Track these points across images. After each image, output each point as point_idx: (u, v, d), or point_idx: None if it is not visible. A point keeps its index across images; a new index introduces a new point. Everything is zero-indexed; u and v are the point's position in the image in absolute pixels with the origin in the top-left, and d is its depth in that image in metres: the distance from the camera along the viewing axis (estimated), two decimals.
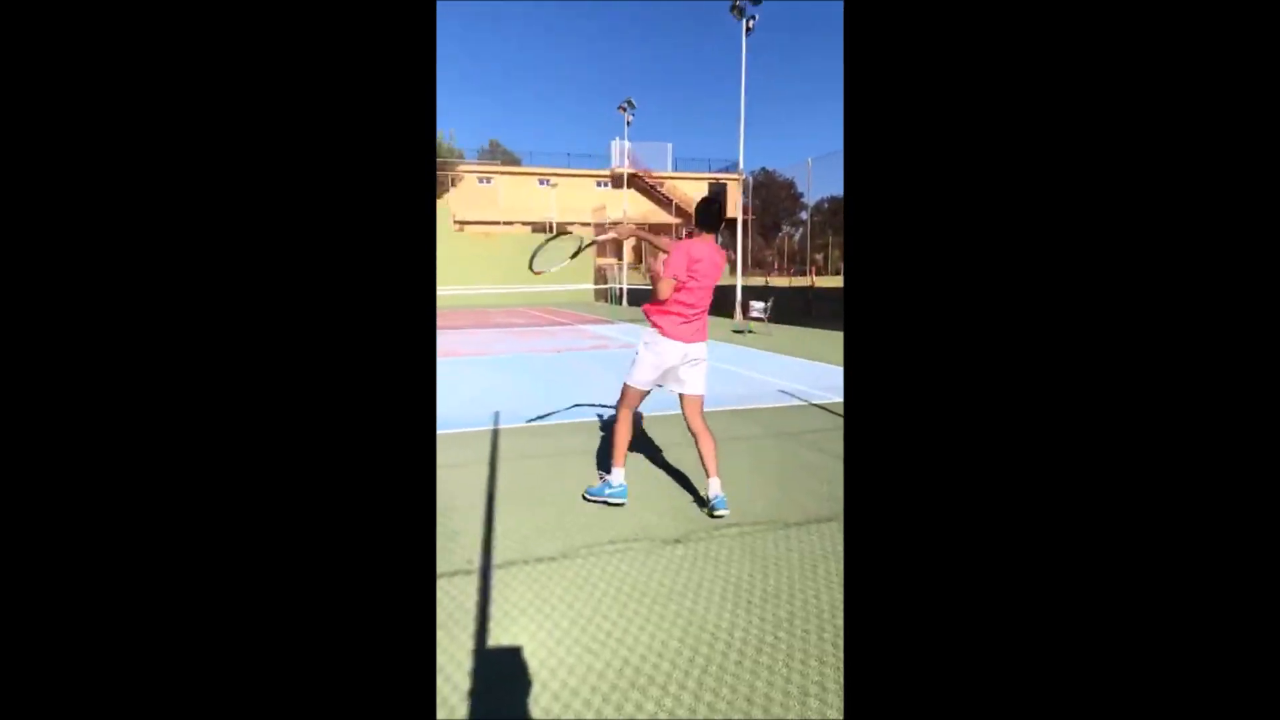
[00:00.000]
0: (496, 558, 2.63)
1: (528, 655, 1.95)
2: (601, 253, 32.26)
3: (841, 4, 0.97)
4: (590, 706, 1.71)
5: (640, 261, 33.24)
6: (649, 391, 3.15)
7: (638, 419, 4.17)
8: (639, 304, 22.76)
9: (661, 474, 3.73)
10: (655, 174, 36.84)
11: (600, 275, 30.31)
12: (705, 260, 2.99)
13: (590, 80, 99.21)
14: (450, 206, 29.12)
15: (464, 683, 1.82)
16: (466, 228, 32.71)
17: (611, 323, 15.97)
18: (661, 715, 1.68)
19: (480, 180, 36.05)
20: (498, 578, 2.46)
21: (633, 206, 33.37)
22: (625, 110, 26.62)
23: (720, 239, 3.24)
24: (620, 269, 27.30)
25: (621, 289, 23.26)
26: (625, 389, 3.15)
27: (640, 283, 26.82)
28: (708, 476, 3.07)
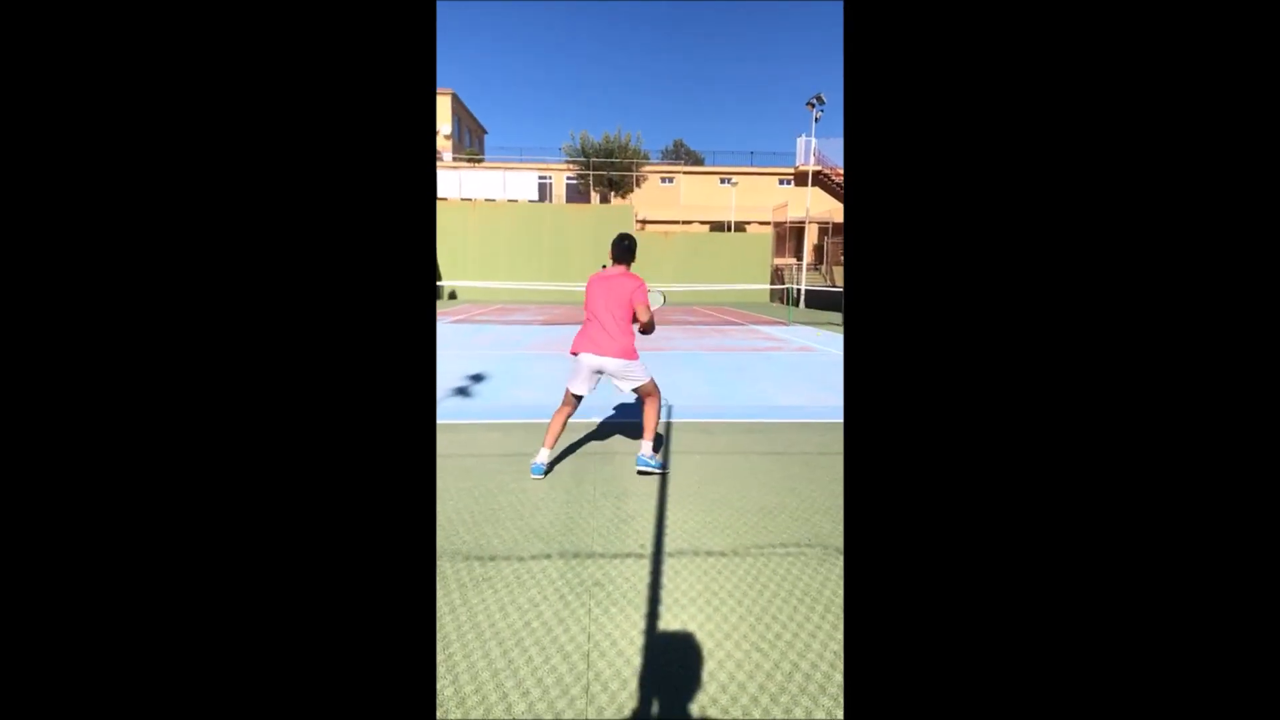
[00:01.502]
0: (667, 546, 2.70)
1: (697, 644, 1.98)
2: (780, 252, 31.62)
3: None
4: (758, 704, 1.70)
5: (822, 262, 32.13)
6: (580, 396, 3.63)
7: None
8: (816, 306, 22.00)
9: (838, 482, 3.59)
10: (842, 171, 35.33)
11: (777, 275, 29.77)
12: (591, 287, 3.61)
13: (778, 79, 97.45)
14: (634, 206, 30.23)
15: (635, 659, 1.89)
16: (648, 226, 33.78)
17: (786, 324, 15.61)
18: None
19: (663, 180, 37.00)
20: (668, 565, 2.52)
21: (816, 204, 32.31)
22: (814, 107, 25.82)
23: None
24: (799, 269, 26.55)
25: (799, 290, 22.63)
26: (565, 391, 3.68)
27: (820, 283, 25.90)
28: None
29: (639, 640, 1.99)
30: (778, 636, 2.03)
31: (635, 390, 3.59)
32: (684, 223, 34.77)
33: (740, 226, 34.02)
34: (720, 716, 1.65)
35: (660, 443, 3.74)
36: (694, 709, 1.68)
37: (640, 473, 3.61)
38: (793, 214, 31.39)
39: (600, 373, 3.57)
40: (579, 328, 3.70)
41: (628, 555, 2.60)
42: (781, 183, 36.25)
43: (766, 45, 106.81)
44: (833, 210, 34.04)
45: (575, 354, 3.58)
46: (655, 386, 3.63)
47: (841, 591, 2.33)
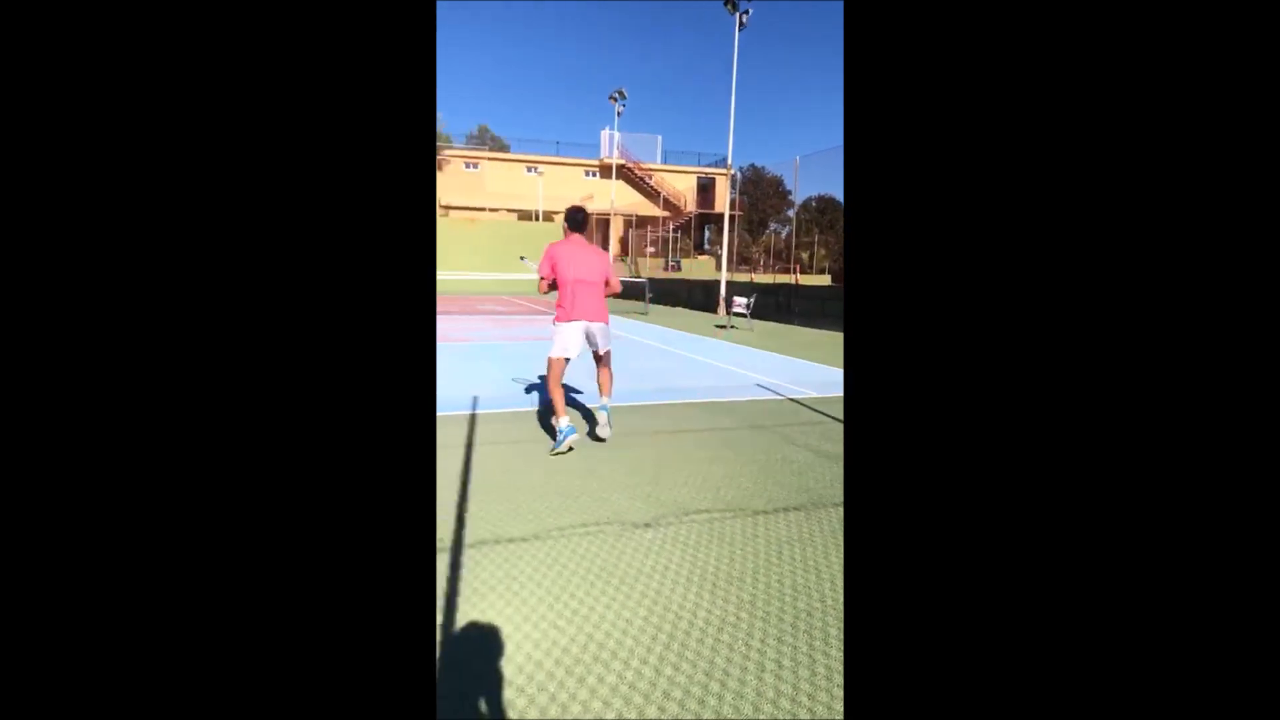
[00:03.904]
0: (468, 537, 2.67)
1: (496, 630, 1.99)
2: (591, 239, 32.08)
3: (840, 4, 0.98)
4: (553, 678, 1.76)
5: (626, 254, 33.22)
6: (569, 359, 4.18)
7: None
8: (626, 296, 22.78)
9: (637, 461, 3.78)
10: (644, 166, 36.71)
11: None
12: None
13: (583, 70, 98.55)
14: (437, 191, 28.82)
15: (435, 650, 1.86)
16: (451, 212, 32.45)
17: None
18: (623, 686, 1.74)
19: (467, 165, 35.72)
20: (469, 556, 2.50)
21: (621, 197, 33.30)
22: (616, 100, 26.54)
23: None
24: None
25: None
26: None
27: (626, 274, 26.78)
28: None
29: (437, 634, 1.95)
30: (574, 612, 2.11)
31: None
32: (490, 210, 33.94)
33: (548, 216, 34.01)
34: (517, 696, 1.69)
35: (559, 428, 3.96)
36: (499, 690, 1.70)
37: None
38: (599, 205, 32.05)
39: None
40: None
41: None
42: (587, 174, 36.79)
43: (577, 36, 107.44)
44: (637, 204, 35.30)
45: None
46: (550, 362, 4.07)
47: (634, 563, 2.48)
